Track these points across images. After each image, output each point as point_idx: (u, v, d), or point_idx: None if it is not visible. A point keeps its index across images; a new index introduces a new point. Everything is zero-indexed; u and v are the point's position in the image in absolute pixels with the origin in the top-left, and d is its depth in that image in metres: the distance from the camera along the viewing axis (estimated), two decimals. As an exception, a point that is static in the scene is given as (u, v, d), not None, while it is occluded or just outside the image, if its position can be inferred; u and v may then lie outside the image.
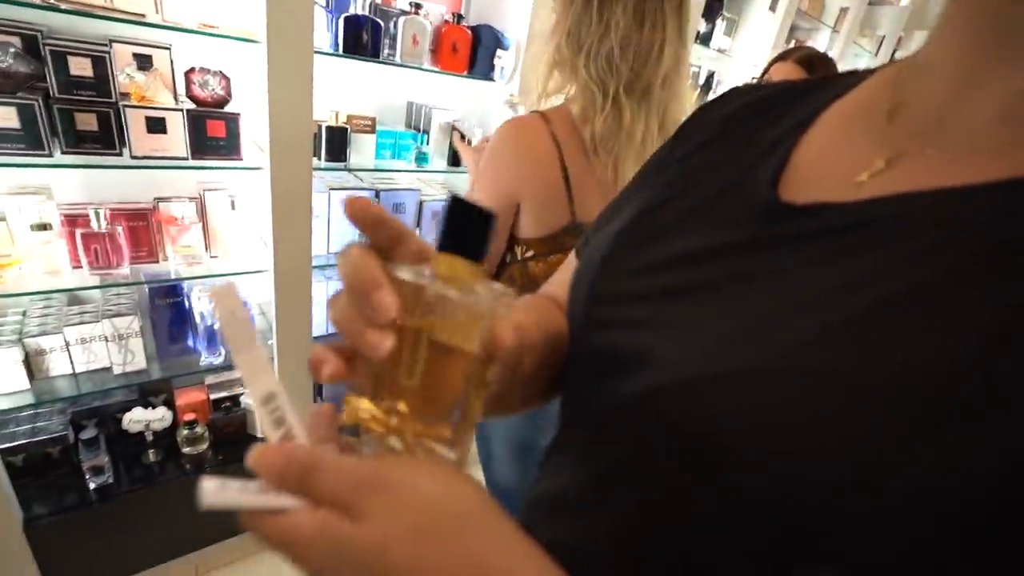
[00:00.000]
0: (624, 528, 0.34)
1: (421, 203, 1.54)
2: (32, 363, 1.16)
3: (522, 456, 1.09)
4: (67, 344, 1.18)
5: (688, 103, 0.95)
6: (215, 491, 0.24)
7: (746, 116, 0.41)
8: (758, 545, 0.27)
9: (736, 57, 2.42)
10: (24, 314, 1.21)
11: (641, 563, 0.33)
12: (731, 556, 0.28)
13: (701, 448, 0.28)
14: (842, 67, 2.24)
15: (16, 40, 0.94)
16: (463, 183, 1.78)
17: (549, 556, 0.26)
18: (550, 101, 0.96)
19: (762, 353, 0.27)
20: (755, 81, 1.45)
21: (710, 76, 2.48)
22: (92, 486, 1.28)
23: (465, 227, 0.28)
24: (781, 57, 1.52)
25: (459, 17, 1.44)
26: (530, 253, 0.97)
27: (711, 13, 2.19)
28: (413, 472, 0.26)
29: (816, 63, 1.44)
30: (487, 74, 1.49)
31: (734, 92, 0.45)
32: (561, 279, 0.51)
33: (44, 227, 1.06)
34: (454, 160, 1.55)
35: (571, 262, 0.52)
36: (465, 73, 1.47)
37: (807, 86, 0.41)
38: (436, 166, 1.54)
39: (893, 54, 3.50)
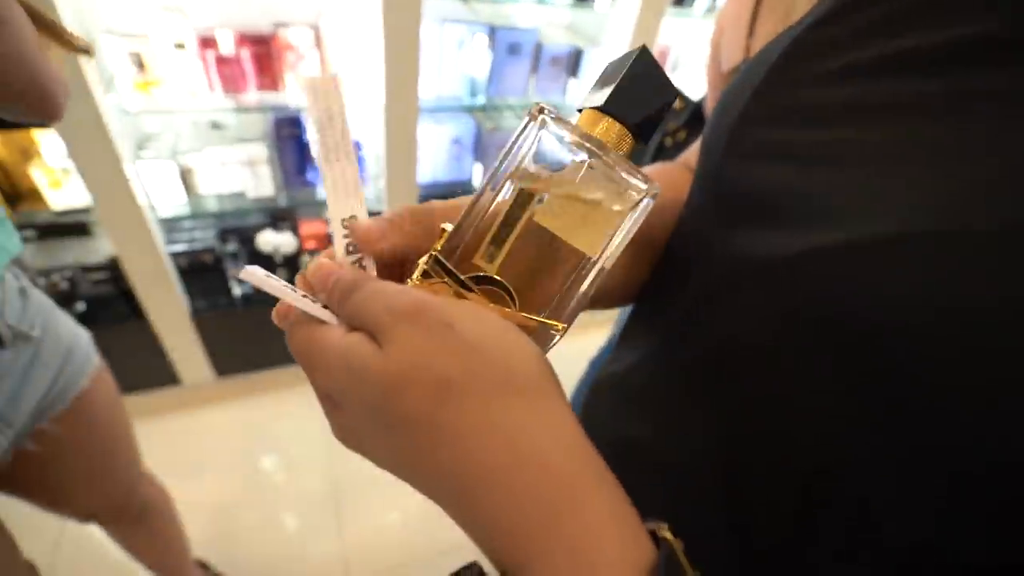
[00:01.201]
0: (721, 434, 0.26)
1: (539, 45, 1.39)
2: (185, 179, 1.32)
3: None
4: (210, 165, 1.31)
5: None
6: (258, 274, 0.22)
7: None
8: (913, 500, 0.19)
9: None
10: (177, 135, 1.35)
11: (734, 484, 0.25)
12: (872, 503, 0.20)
13: (878, 346, 0.19)
14: None
15: None
16: (592, 25, 1.56)
17: (607, 467, 0.20)
18: None
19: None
20: None
21: None
22: (237, 293, 1.50)
23: (643, 93, 0.22)
24: None
25: None
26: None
27: None
28: (467, 315, 0.20)
29: None
30: None
31: None
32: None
33: (181, 46, 1.12)
34: (581, -7, 1.35)
35: None
36: None
37: None
38: (560, 0, 1.34)
39: None
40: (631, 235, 0.23)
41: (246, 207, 1.39)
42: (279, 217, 1.48)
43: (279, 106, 1.28)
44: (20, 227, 1.27)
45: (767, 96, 0.27)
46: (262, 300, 1.51)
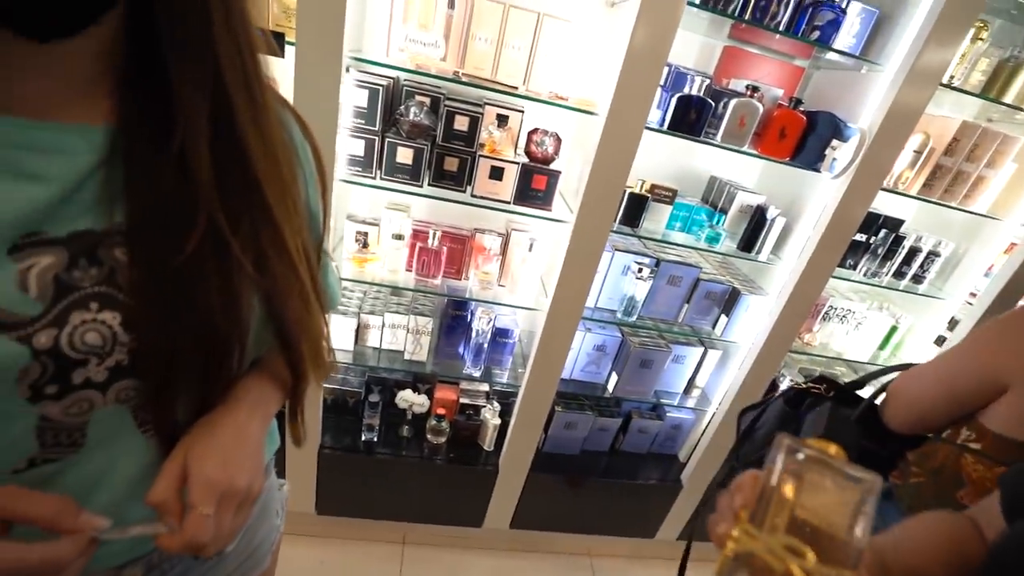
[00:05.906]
0: None
1: (698, 280, 1.48)
2: (359, 332, 1.50)
3: None
4: (383, 325, 1.49)
5: None
6: None
7: None
8: None
9: None
10: (364, 295, 1.57)
11: None
12: None
13: None
14: None
15: (427, 100, 1.22)
16: (749, 268, 1.65)
17: None
18: None
19: None
20: None
21: None
22: (363, 438, 1.58)
23: (842, 429, 0.37)
24: None
25: (797, 102, 1.34)
26: (977, 445, 0.76)
27: None
28: None
29: None
30: (813, 164, 1.35)
31: None
32: None
33: (399, 237, 1.36)
34: (746, 245, 1.45)
35: None
36: (787, 160, 1.35)
37: None
38: (725, 247, 1.45)
39: None
40: (871, 516, 0.32)
41: (398, 366, 1.53)
42: (421, 379, 1.60)
43: (456, 291, 1.46)
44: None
45: None
46: (380, 451, 1.57)
